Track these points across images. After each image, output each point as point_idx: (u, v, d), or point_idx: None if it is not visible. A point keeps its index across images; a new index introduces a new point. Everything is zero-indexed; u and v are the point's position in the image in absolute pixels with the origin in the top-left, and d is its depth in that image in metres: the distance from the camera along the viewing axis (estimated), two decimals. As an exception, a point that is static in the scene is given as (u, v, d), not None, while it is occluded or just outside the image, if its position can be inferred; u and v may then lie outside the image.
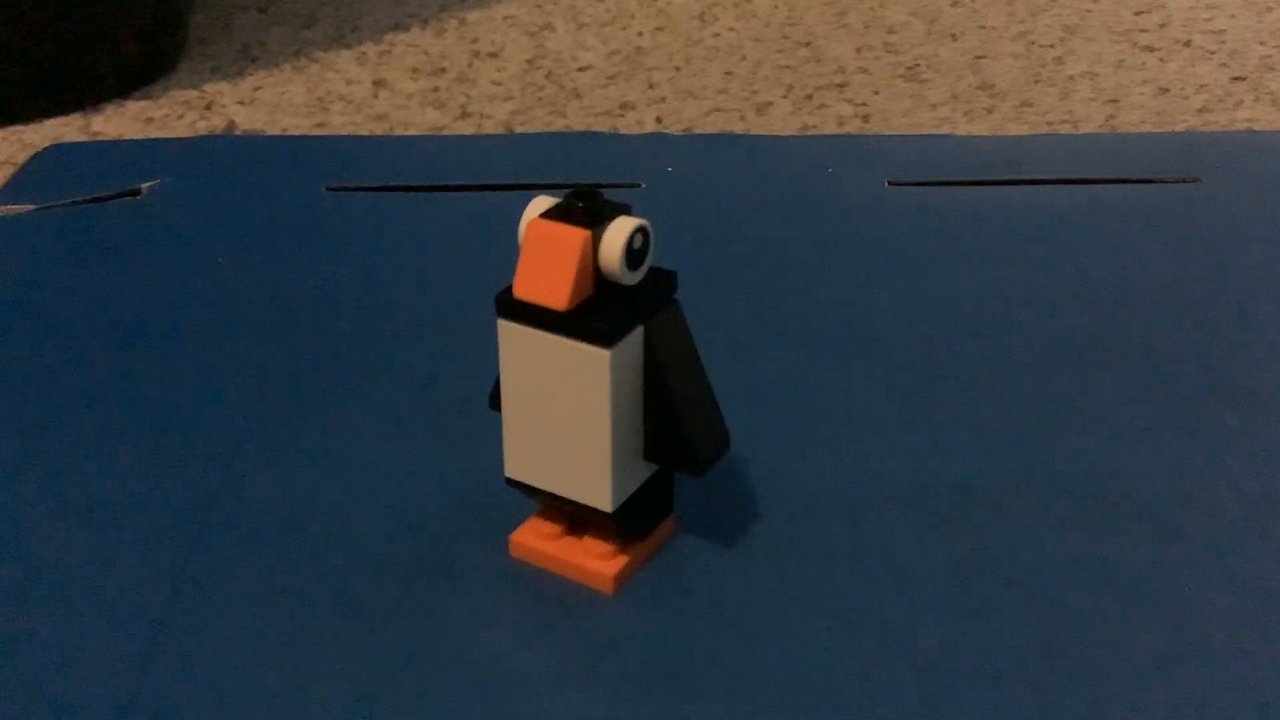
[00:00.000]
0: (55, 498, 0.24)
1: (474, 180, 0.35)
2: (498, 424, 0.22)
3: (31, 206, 0.34)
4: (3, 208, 0.34)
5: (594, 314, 0.20)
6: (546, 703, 0.20)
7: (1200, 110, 0.52)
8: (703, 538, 0.23)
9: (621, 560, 0.22)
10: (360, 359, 0.28)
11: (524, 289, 0.21)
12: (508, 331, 0.21)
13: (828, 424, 0.26)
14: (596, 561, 0.22)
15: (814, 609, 0.22)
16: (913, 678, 0.21)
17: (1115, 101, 0.53)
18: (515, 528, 0.23)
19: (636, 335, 0.21)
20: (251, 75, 0.56)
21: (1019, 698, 0.20)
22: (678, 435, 0.22)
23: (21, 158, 0.46)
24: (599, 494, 0.22)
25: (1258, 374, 0.28)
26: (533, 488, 0.22)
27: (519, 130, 0.50)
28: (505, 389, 0.22)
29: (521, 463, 0.22)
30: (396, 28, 0.61)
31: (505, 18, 0.62)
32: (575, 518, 0.23)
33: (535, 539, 0.23)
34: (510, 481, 0.22)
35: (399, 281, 0.31)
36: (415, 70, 0.55)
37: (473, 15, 0.62)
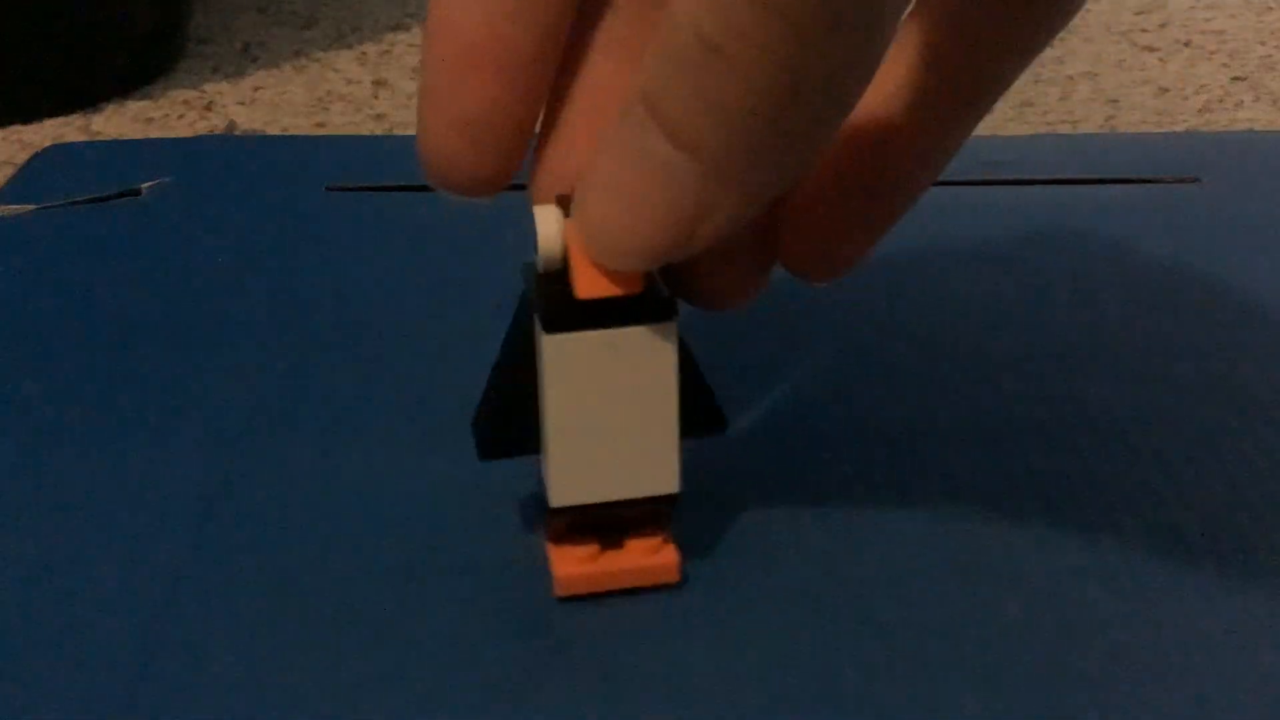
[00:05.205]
0: (53, 497, 0.24)
1: (474, 180, 0.35)
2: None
3: (31, 206, 0.34)
4: (3, 208, 0.34)
5: (646, 292, 0.20)
6: (545, 703, 0.20)
7: (1200, 110, 0.52)
8: (703, 538, 0.23)
9: (672, 546, 0.22)
10: (360, 359, 0.28)
11: (589, 288, 0.19)
12: (560, 347, 0.20)
13: (826, 424, 0.26)
14: (653, 557, 0.22)
15: (814, 609, 0.22)
16: (913, 678, 0.21)
17: (1115, 101, 0.53)
18: (515, 528, 0.23)
19: None
20: (251, 75, 0.56)
21: (1019, 698, 0.20)
22: (705, 398, 0.22)
23: (21, 158, 0.46)
24: (665, 478, 0.21)
25: (1257, 374, 0.28)
26: (583, 506, 0.21)
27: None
28: (553, 414, 0.20)
29: (572, 486, 0.21)
30: (396, 28, 0.61)
31: (505, 18, 0.62)
32: (607, 530, 0.22)
33: (580, 565, 0.22)
34: (554, 511, 0.21)
35: (399, 282, 0.31)
36: (415, 70, 0.55)
37: (473, 15, 0.62)
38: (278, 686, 0.21)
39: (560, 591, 0.22)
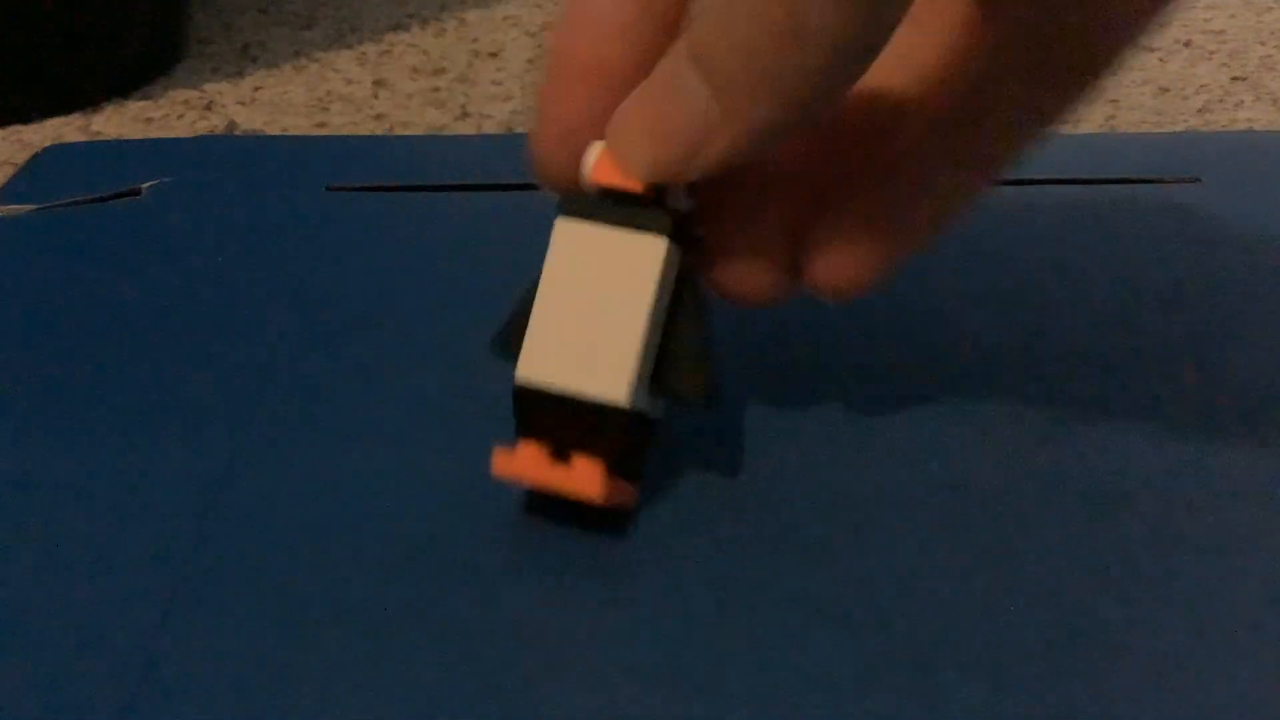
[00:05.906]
0: (54, 497, 0.24)
1: (474, 180, 0.35)
2: (496, 425, 0.22)
3: (31, 206, 0.34)
4: (3, 208, 0.34)
5: (653, 201, 0.22)
6: (543, 703, 0.20)
7: (1200, 110, 0.52)
8: (702, 537, 0.23)
9: (599, 467, 0.22)
10: (360, 359, 0.28)
11: (604, 175, 0.22)
12: (567, 231, 0.22)
13: (828, 423, 0.26)
14: (581, 473, 0.22)
15: (814, 609, 0.22)
16: (913, 678, 0.21)
17: (1115, 101, 0.53)
18: (515, 528, 0.23)
19: (677, 253, 0.22)
20: (251, 75, 0.56)
21: (1019, 698, 0.20)
22: (709, 370, 0.23)
23: (21, 158, 0.46)
24: (618, 387, 0.22)
25: (1257, 374, 0.28)
26: (541, 395, 0.22)
27: (519, 130, 0.50)
28: (542, 292, 0.22)
29: (537, 365, 0.22)
30: (396, 28, 0.61)
31: (505, 18, 0.62)
32: (563, 444, 0.23)
33: (520, 459, 0.23)
34: (517, 393, 0.22)
35: (399, 282, 0.31)
36: (415, 70, 0.55)
37: (473, 15, 0.62)
38: (278, 686, 0.21)
39: (495, 471, 0.23)
